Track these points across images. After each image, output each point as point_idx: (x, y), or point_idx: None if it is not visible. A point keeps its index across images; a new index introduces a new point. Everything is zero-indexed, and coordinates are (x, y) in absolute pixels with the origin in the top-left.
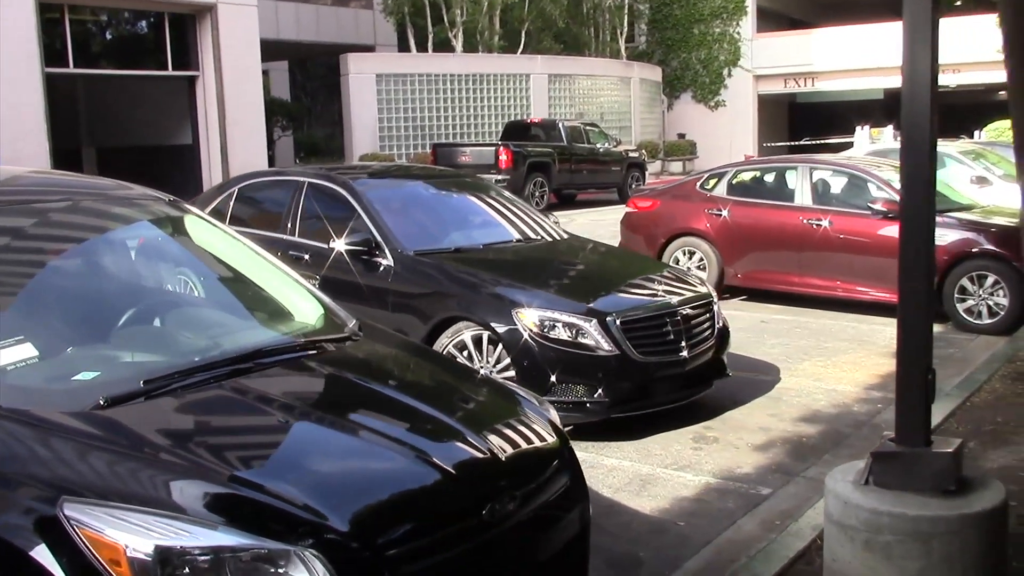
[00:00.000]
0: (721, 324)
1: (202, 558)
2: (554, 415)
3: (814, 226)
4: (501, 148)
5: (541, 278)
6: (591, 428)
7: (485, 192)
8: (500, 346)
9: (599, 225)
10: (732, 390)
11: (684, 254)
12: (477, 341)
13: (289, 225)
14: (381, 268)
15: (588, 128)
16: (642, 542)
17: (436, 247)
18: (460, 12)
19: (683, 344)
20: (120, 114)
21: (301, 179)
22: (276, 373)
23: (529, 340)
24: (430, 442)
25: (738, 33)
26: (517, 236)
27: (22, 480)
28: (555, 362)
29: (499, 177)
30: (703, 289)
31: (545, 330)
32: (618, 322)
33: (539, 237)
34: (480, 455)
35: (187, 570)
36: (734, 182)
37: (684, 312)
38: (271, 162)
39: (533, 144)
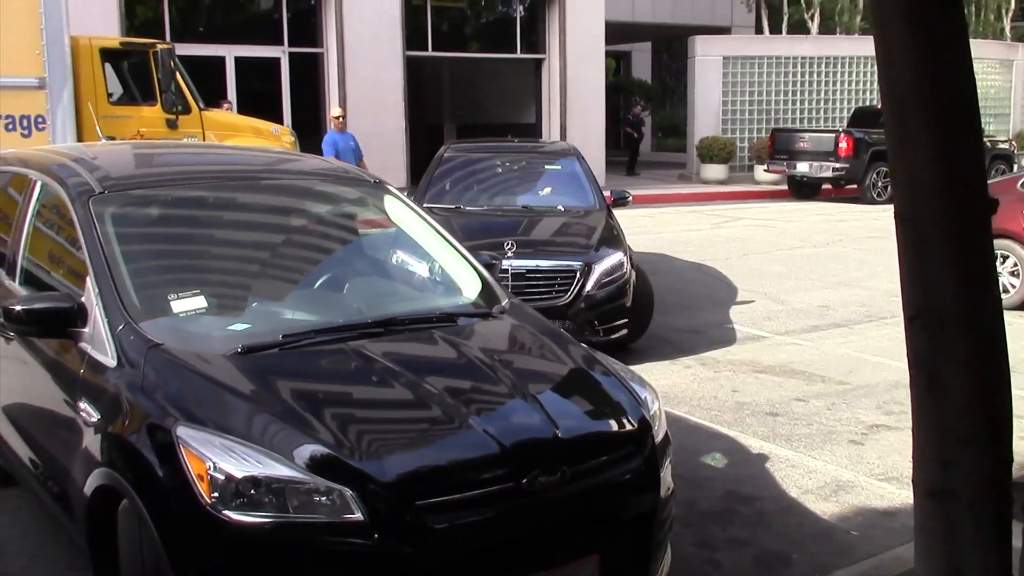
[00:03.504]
0: (596, 293)
1: (269, 484)
2: (653, 406)
3: None
4: (842, 135)
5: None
6: (809, 432)
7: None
8: None
9: None
10: None
11: (997, 258)
12: None
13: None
14: None
15: None
16: (803, 544)
17: None
18: None
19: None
20: (475, 94)
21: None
22: (398, 339)
23: None
24: (495, 414)
25: None
26: None
27: (159, 402)
28: None
29: (837, 165)
30: (574, 263)
31: None
32: None
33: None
34: (538, 430)
35: (253, 491)
36: None
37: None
38: (622, 141)
39: (880, 131)
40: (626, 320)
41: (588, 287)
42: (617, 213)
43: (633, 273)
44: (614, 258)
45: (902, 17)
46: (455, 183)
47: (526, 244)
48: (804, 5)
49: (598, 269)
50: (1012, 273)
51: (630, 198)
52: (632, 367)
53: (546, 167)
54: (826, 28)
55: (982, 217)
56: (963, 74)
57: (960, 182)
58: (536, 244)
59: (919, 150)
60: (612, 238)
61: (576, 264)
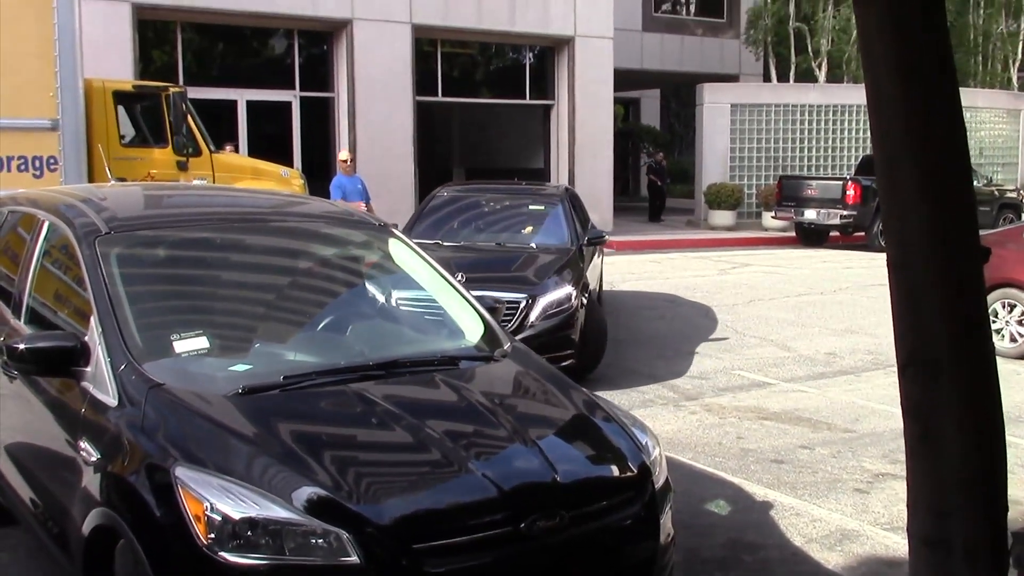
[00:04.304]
0: (540, 323)
1: (266, 526)
2: (654, 451)
3: None
4: (849, 183)
5: None
6: (816, 479)
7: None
8: None
9: None
10: None
11: (1003, 307)
12: None
13: None
14: None
15: None
16: None
17: None
18: (826, 41)
19: None
20: (484, 140)
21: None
22: (400, 382)
23: None
24: (495, 458)
25: None
26: None
27: (159, 442)
28: None
29: (844, 213)
30: (519, 295)
31: None
32: None
33: None
34: (537, 474)
35: (250, 533)
36: None
37: None
38: (630, 187)
39: None
40: (572, 351)
41: (532, 317)
42: (623, 259)
43: (583, 307)
44: (561, 292)
45: (894, 74)
46: (441, 220)
47: (480, 277)
48: (812, 54)
49: (543, 301)
50: (1020, 322)
51: (605, 238)
52: (636, 412)
53: (530, 207)
54: (833, 77)
55: (974, 266)
56: (954, 126)
57: (952, 231)
58: (489, 277)
59: (911, 200)
60: (567, 274)
61: (520, 296)
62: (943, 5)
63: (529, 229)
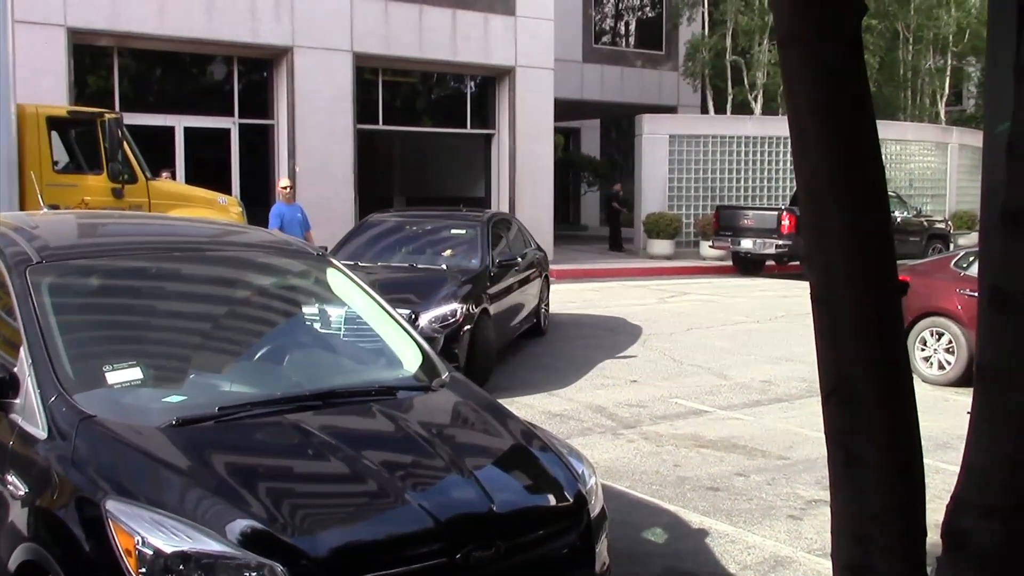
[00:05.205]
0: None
1: (198, 560)
2: (590, 480)
3: None
4: (784, 213)
5: None
6: (750, 506)
7: None
8: None
9: None
10: None
11: (932, 335)
12: None
13: None
14: None
15: None
16: None
17: None
18: (762, 75)
19: None
20: (426, 168)
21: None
22: (336, 412)
23: None
24: (431, 489)
25: None
26: None
27: (89, 475)
28: None
29: (780, 242)
30: (401, 311)
31: None
32: None
33: None
34: (473, 504)
35: (182, 567)
36: None
37: None
38: (571, 216)
39: None
40: (456, 365)
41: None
42: (564, 287)
43: (471, 324)
44: (445, 308)
45: (816, 113)
46: (364, 244)
47: None
48: (748, 86)
49: (425, 317)
50: (948, 350)
51: (518, 260)
52: (574, 441)
53: (452, 231)
54: (769, 109)
55: (892, 298)
56: (873, 163)
57: (871, 266)
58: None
59: (833, 235)
60: (461, 292)
61: (403, 312)
62: (861, 48)
63: (448, 252)
